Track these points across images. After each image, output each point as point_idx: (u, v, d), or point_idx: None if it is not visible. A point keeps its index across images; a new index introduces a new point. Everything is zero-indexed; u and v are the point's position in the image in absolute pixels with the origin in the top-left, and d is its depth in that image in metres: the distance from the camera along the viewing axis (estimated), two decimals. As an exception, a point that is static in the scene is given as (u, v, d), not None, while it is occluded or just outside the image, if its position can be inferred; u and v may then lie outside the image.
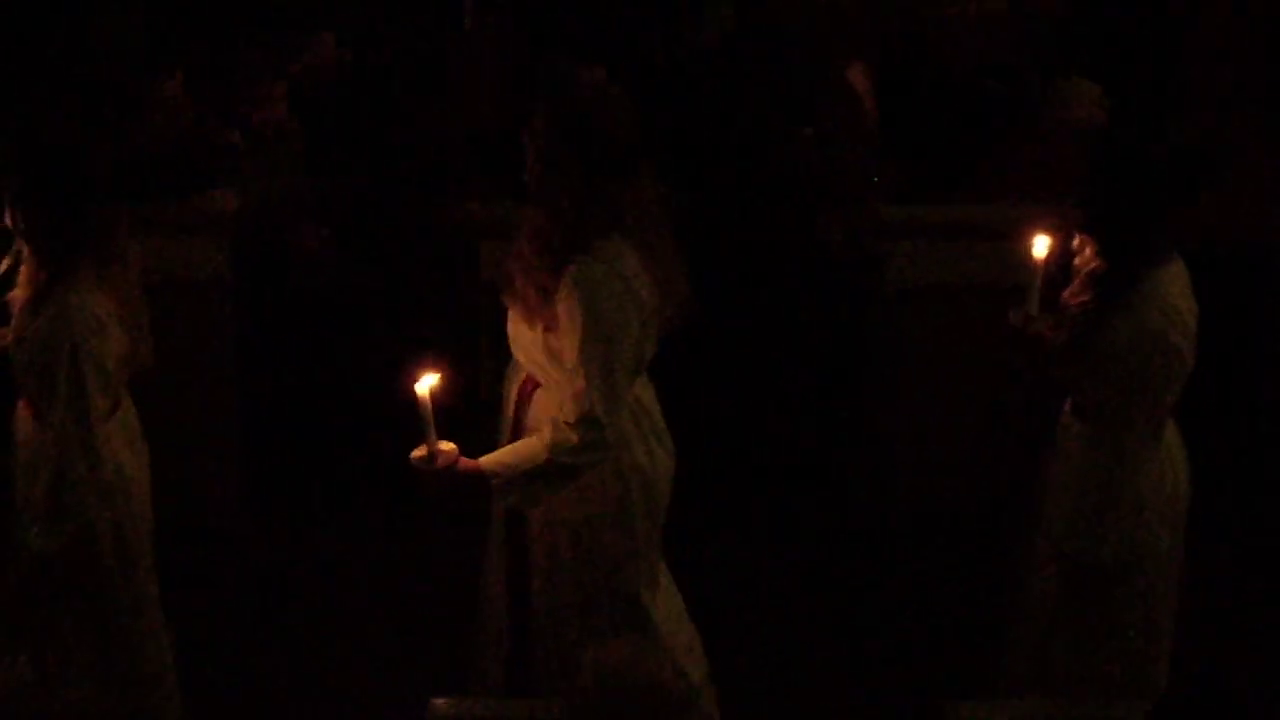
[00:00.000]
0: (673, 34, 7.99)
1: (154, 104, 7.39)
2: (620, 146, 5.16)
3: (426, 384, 4.94)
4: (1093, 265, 5.31)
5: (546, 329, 5.18)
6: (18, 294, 5.34)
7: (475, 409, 5.62)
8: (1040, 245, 5.39)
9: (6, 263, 5.40)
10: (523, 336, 5.26)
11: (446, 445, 5.05)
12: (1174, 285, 5.27)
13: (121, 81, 7.42)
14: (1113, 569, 5.33)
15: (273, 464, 7.37)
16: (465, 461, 5.09)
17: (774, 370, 7.51)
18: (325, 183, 7.58)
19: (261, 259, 7.42)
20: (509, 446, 5.19)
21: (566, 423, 5.10)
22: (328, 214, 7.55)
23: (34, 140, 5.37)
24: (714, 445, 7.29)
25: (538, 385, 5.31)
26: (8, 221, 5.30)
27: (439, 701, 5.05)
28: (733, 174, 7.41)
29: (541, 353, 5.22)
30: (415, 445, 5.02)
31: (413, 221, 7.59)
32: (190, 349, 7.19)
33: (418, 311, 7.52)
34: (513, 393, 5.38)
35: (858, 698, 6.34)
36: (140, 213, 7.12)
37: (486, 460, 5.12)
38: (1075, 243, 5.37)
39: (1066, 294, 5.37)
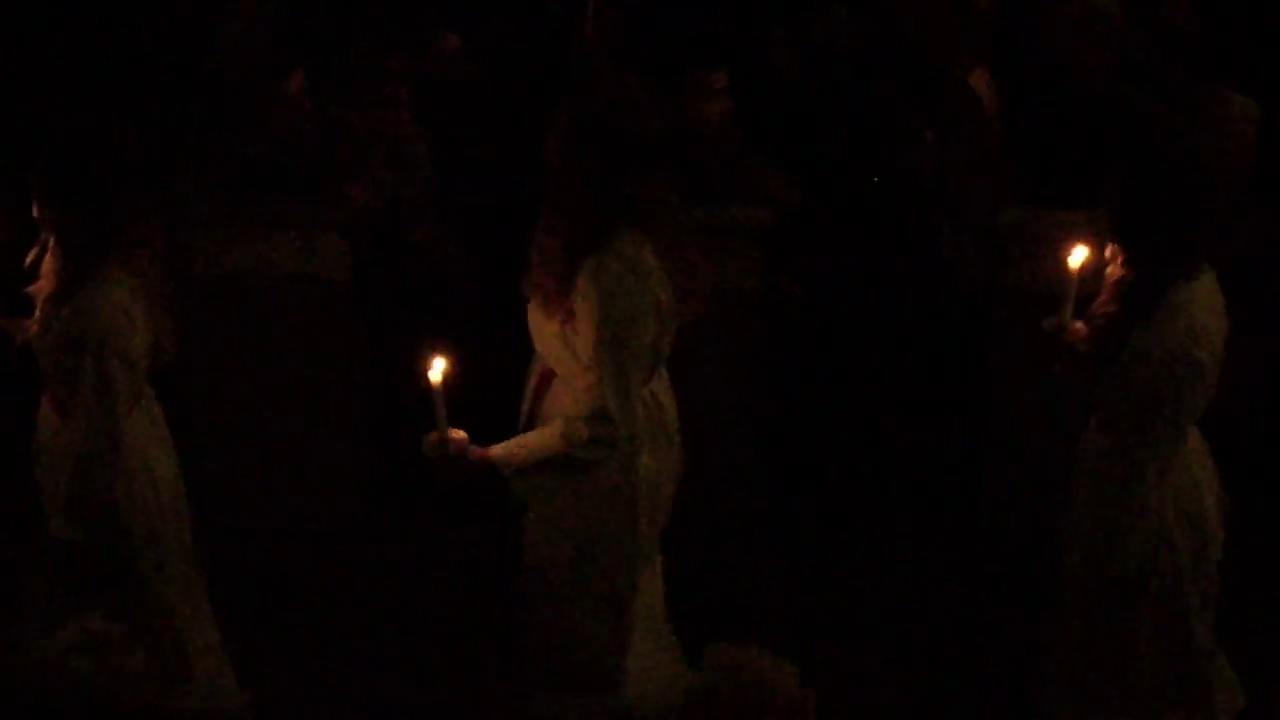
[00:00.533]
0: (790, 36, 7.97)
1: (278, 101, 7.46)
2: (641, 143, 5.19)
3: (438, 370, 4.96)
4: (1120, 275, 5.26)
5: (564, 321, 5.20)
6: (42, 286, 5.36)
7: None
8: (1077, 254, 5.33)
9: (32, 254, 5.41)
10: (541, 328, 5.28)
11: (458, 433, 5.08)
12: (1201, 299, 5.21)
13: (245, 79, 7.48)
14: (1128, 583, 5.29)
15: (392, 463, 7.38)
16: (476, 449, 5.12)
17: (895, 375, 7.50)
18: (451, 185, 7.63)
19: (385, 259, 7.48)
20: (520, 436, 5.24)
21: (579, 416, 5.14)
22: (453, 216, 7.59)
23: (60, 135, 5.37)
24: (835, 453, 7.39)
25: (555, 375, 5.33)
26: (34, 214, 5.32)
27: None
28: (853, 176, 7.39)
29: (559, 344, 5.24)
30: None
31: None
32: (312, 345, 7.26)
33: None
34: (531, 382, 5.40)
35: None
36: (268, 208, 7.26)
37: (497, 449, 5.16)
38: (1108, 252, 5.32)
39: (1095, 304, 5.33)
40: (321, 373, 7.35)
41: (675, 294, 5.27)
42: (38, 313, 5.35)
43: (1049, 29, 7.52)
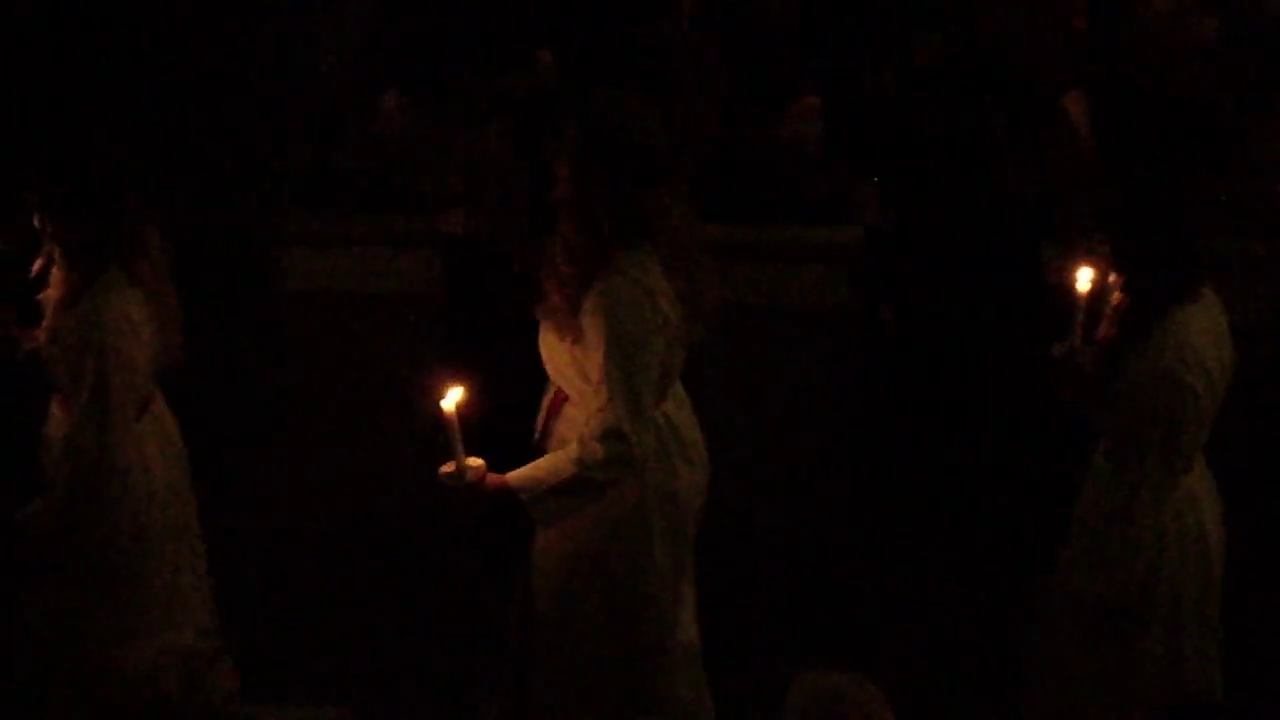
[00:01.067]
0: (889, 57, 7.94)
1: (373, 118, 7.49)
2: (648, 160, 5.18)
3: (452, 399, 4.95)
4: (1118, 301, 5.26)
5: (574, 342, 5.21)
6: (50, 294, 5.45)
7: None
8: (1084, 277, 5.34)
9: (38, 264, 5.49)
10: (553, 350, 5.29)
11: (474, 461, 5.07)
12: (1196, 324, 5.18)
13: (341, 96, 7.54)
14: (1121, 611, 5.25)
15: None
16: (493, 477, 5.11)
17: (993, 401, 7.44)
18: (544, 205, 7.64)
19: (475, 276, 7.51)
20: (536, 462, 5.21)
21: (593, 437, 5.12)
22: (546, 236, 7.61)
23: (57, 146, 5.45)
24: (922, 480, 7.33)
25: (567, 399, 5.33)
26: (37, 226, 5.40)
27: None
28: (949, 198, 7.36)
29: (570, 366, 5.25)
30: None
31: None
32: (400, 361, 7.29)
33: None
34: (544, 407, 5.41)
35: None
36: (361, 225, 7.29)
37: (514, 476, 5.14)
38: (1111, 277, 5.32)
39: (1099, 329, 5.33)
40: (409, 388, 7.35)
41: (686, 312, 5.25)
42: (46, 320, 5.45)
43: (1141, 48, 7.47)
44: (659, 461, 5.29)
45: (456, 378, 4.99)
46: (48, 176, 5.38)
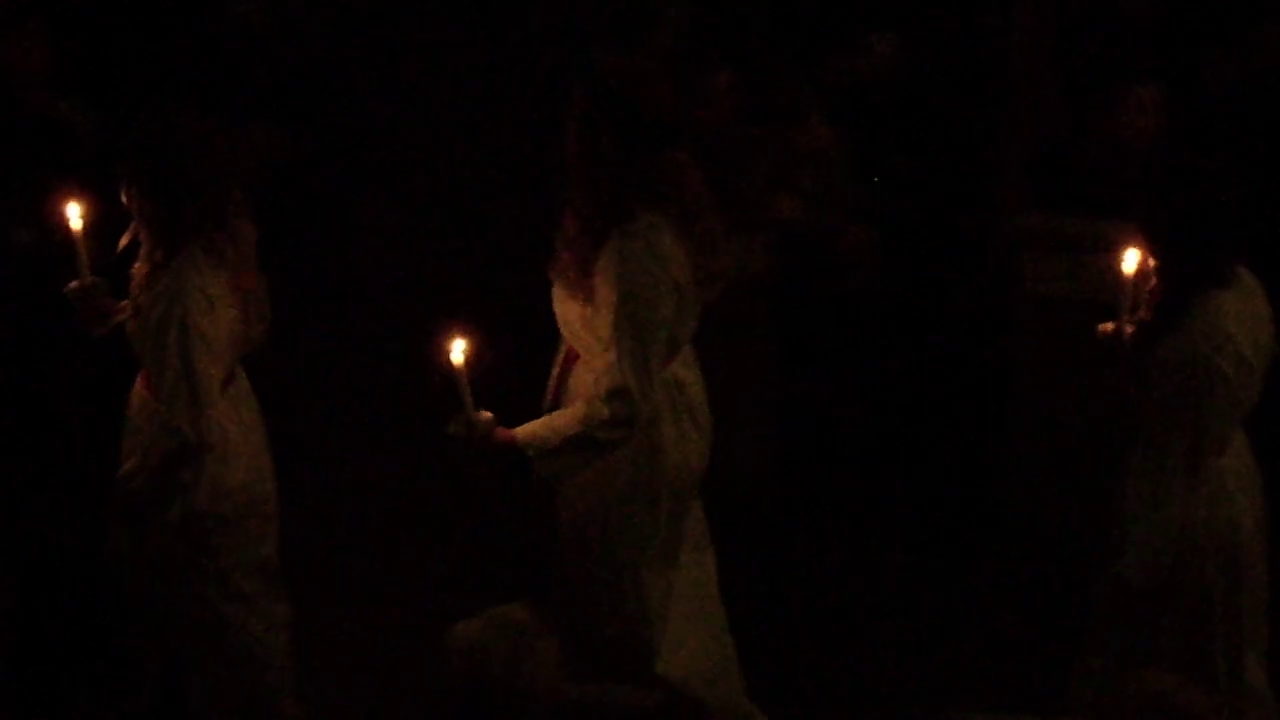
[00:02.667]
0: (1229, 53, 7.79)
1: (702, 99, 7.49)
2: (656, 122, 5.21)
3: (459, 351, 4.99)
4: (1152, 284, 5.23)
5: (585, 303, 5.26)
6: (137, 269, 5.52)
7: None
8: (1130, 259, 5.29)
9: (124, 240, 5.56)
10: (566, 310, 5.33)
11: (484, 414, 5.11)
12: (1229, 308, 5.14)
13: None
14: (1144, 594, 5.24)
15: (809, 459, 7.48)
16: (501, 431, 5.16)
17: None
18: (872, 187, 7.66)
19: (806, 259, 7.49)
20: (544, 418, 5.26)
21: (599, 396, 5.17)
22: (874, 217, 7.60)
23: (143, 125, 5.50)
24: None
25: (578, 357, 5.35)
26: (124, 201, 5.47)
27: None
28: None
29: (582, 326, 5.30)
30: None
31: (959, 229, 7.70)
32: (731, 343, 7.21)
33: (954, 320, 7.62)
34: (556, 365, 5.43)
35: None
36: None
37: (521, 431, 5.19)
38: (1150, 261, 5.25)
39: (1137, 312, 5.28)
40: (740, 373, 7.31)
41: (697, 276, 5.29)
42: (132, 295, 5.53)
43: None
44: (667, 424, 5.32)
45: (462, 330, 5.01)
46: (133, 154, 5.46)
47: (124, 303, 5.59)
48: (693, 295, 5.32)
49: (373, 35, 8.58)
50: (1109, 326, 5.37)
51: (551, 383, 5.46)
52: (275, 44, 8.10)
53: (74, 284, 5.60)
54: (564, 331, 5.39)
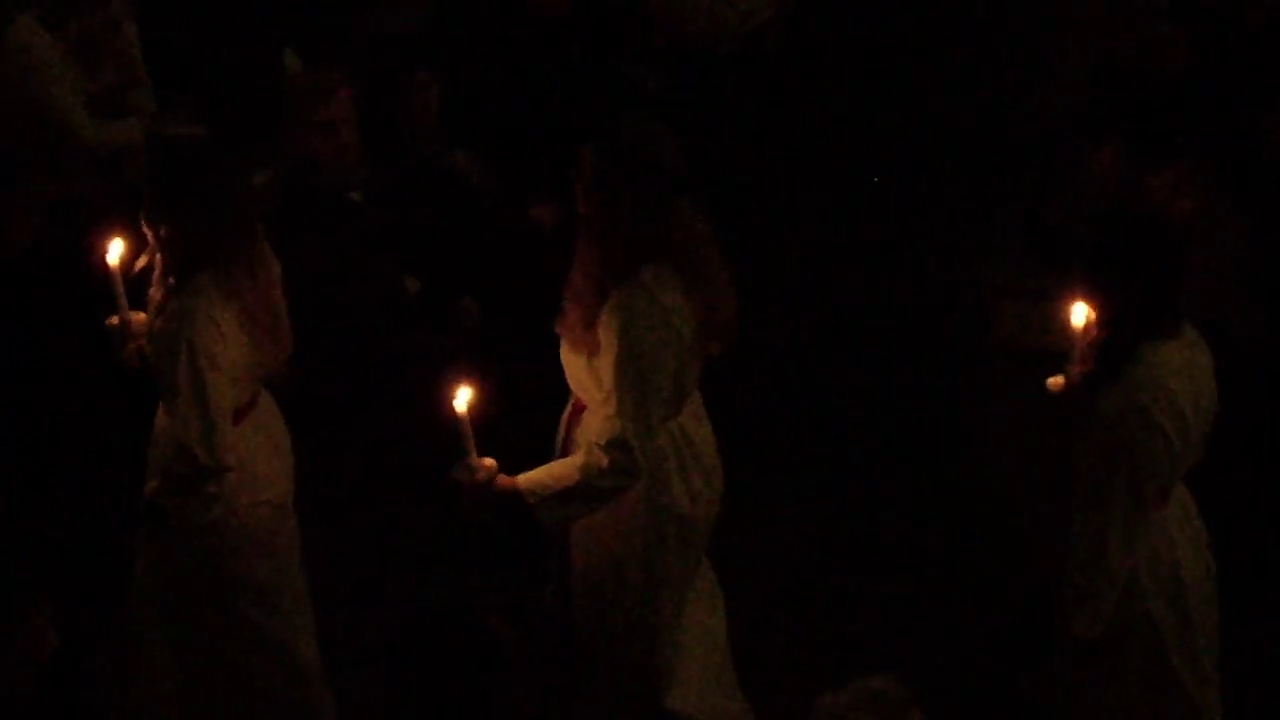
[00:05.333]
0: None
1: (1087, 172, 7.33)
2: (663, 178, 5.28)
3: (463, 399, 5.06)
4: (1094, 335, 5.20)
5: (591, 355, 5.32)
6: (152, 294, 5.59)
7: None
8: (1078, 312, 5.26)
9: (142, 262, 5.63)
10: (571, 363, 5.41)
11: (486, 461, 5.19)
12: (1170, 362, 5.09)
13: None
14: (1089, 644, 5.18)
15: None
16: (503, 478, 5.23)
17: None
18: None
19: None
20: (546, 466, 5.33)
21: (598, 446, 5.23)
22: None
23: (162, 155, 5.55)
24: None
25: (585, 408, 5.46)
26: (143, 227, 5.55)
27: None
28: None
29: (588, 377, 5.36)
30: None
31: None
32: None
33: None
34: (565, 414, 5.54)
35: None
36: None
37: (523, 478, 5.26)
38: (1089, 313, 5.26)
39: (1077, 365, 5.28)
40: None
41: (705, 325, 5.38)
42: (148, 321, 5.62)
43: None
44: (674, 476, 5.41)
45: (468, 379, 5.10)
46: (152, 182, 5.52)
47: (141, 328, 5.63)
48: (697, 347, 5.39)
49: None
50: (1059, 380, 5.34)
51: (560, 432, 5.54)
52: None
53: (113, 319, 5.65)
54: (571, 383, 5.47)
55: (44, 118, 7.37)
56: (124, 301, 5.63)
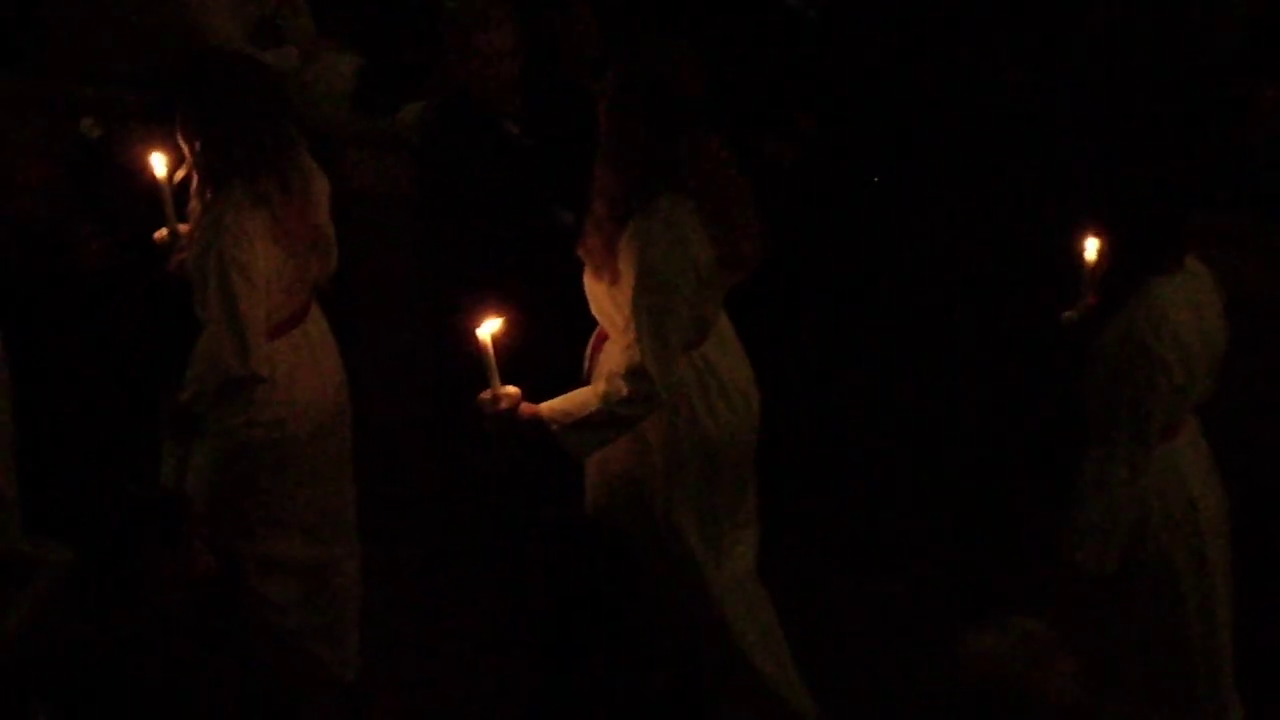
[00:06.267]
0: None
1: (1254, 107, 7.27)
2: (681, 102, 5.24)
3: (488, 329, 5.09)
4: (1103, 269, 5.25)
5: (611, 283, 5.34)
6: (192, 207, 5.67)
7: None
8: (1091, 247, 5.31)
9: (181, 172, 5.69)
10: (594, 290, 5.42)
11: (510, 389, 5.22)
12: (1173, 295, 5.12)
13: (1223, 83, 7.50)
14: (1095, 579, 5.19)
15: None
16: (527, 406, 5.25)
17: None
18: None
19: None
20: (568, 394, 5.34)
21: (618, 374, 5.26)
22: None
23: (191, 69, 5.63)
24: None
25: (607, 337, 5.48)
26: (179, 141, 5.61)
27: None
28: None
29: (609, 304, 5.38)
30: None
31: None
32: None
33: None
34: (590, 342, 5.55)
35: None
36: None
37: (545, 406, 5.27)
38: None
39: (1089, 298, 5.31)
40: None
41: (725, 257, 5.36)
42: (189, 232, 5.71)
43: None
44: (695, 400, 5.42)
45: (494, 308, 5.12)
46: (184, 98, 5.57)
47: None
48: (717, 277, 5.37)
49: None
50: (1072, 314, 5.44)
51: (586, 361, 5.56)
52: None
53: (161, 232, 5.76)
54: (594, 310, 5.48)
55: (203, 46, 7.32)
56: (171, 212, 5.72)
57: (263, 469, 5.72)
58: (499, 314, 5.12)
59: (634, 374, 5.25)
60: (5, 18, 7.65)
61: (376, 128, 7.28)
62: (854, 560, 6.89)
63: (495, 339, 5.12)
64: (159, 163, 5.72)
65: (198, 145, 5.54)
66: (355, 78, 7.42)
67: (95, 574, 4.71)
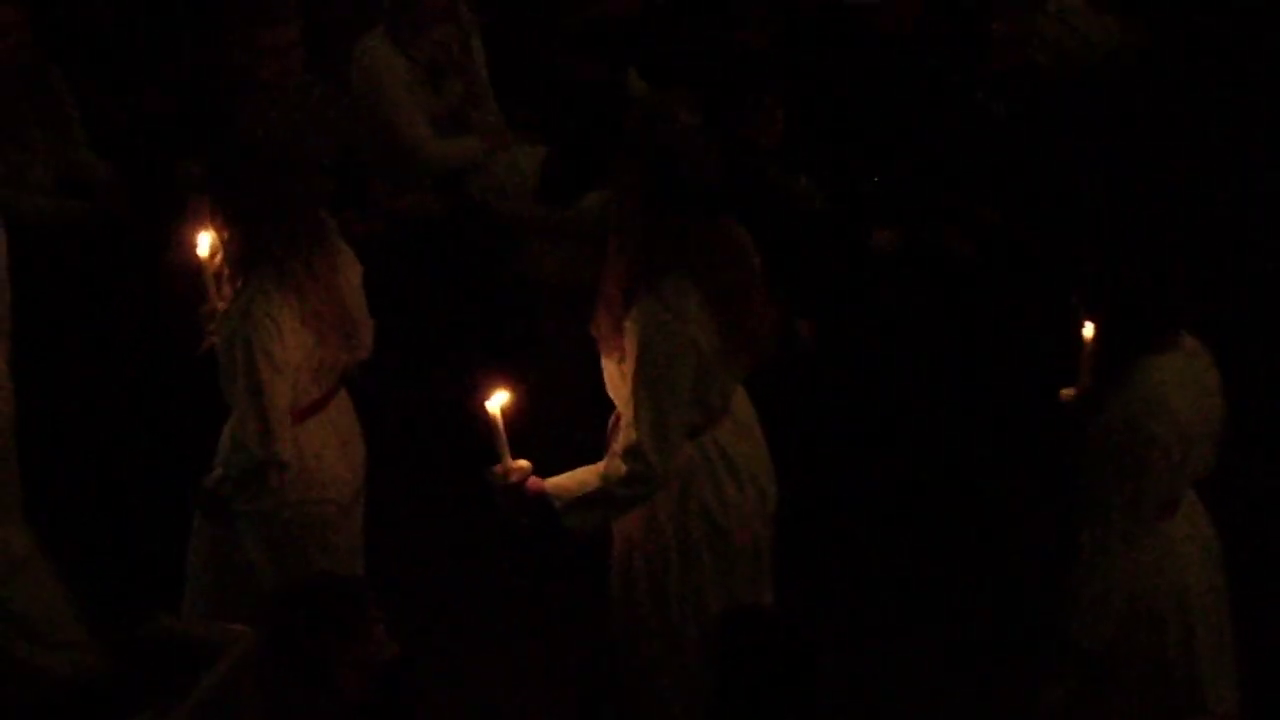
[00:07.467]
0: None
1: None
2: (694, 188, 5.24)
3: (497, 402, 5.12)
4: (1095, 350, 5.23)
5: (620, 361, 5.35)
6: (225, 289, 5.72)
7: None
8: (1089, 327, 5.30)
9: (215, 262, 5.76)
10: (608, 369, 5.44)
11: (521, 463, 5.23)
12: (1169, 374, 5.11)
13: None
14: (1081, 657, 5.21)
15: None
16: (534, 481, 5.26)
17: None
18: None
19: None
20: (573, 471, 5.34)
21: (617, 454, 5.27)
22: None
23: (219, 158, 5.66)
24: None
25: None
26: (211, 224, 5.68)
27: None
28: None
29: (621, 384, 5.38)
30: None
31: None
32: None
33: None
34: (610, 421, 5.55)
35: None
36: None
37: (550, 482, 5.28)
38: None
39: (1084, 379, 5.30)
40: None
41: (733, 342, 5.35)
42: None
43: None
44: (705, 484, 5.42)
45: (501, 381, 5.15)
46: (212, 186, 5.64)
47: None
48: (723, 359, 5.36)
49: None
50: (1070, 392, 5.43)
51: (607, 439, 5.55)
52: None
53: (204, 308, 5.82)
54: (609, 389, 5.48)
55: (389, 136, 7.48)
56: (213, 291, 5.78)
57: (309, 546, 5.75)
58: (507, 387, 5.15)
59: (631, 453, 5.25)
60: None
61: (560, 217, 7.31)
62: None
63: (504, 412, 5.14)
64: (204, 242, 5.78)
65: (228, 230, 5.60)
66: (539, 168, 7.47)
67: (276, 657, 4.75)
